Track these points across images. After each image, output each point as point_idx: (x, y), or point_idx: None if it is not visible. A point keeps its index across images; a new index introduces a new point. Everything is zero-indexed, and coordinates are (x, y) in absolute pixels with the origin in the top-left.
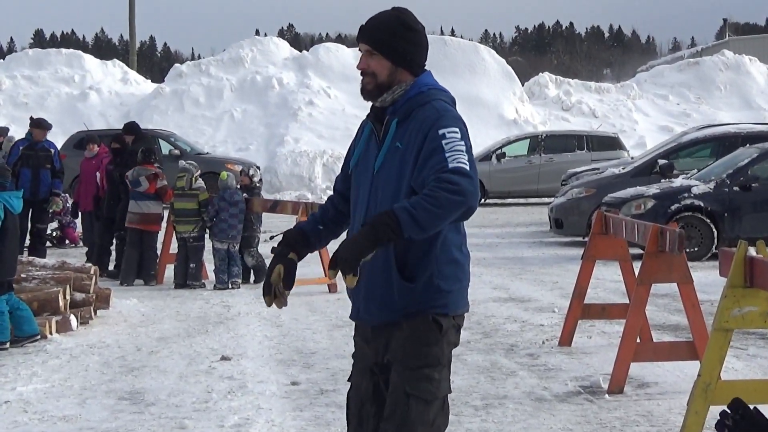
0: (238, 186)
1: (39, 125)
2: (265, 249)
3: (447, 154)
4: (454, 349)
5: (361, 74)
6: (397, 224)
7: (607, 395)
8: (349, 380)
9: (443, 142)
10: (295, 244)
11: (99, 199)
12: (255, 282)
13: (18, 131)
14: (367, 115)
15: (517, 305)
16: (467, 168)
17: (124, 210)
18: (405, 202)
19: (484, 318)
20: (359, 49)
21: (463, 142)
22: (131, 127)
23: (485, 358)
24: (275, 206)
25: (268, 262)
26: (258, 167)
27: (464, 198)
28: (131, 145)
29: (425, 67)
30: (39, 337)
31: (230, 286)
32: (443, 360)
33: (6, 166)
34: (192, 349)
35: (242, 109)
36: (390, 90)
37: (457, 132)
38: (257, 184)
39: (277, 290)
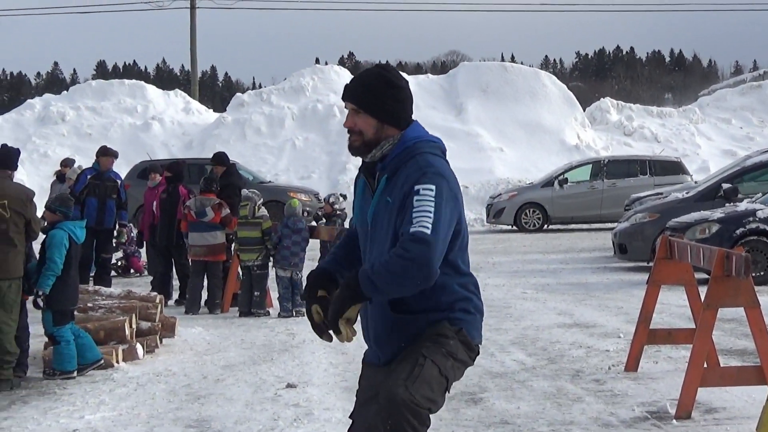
0: (305, 214)
1: (106, 153)
2: None
3: (413, 215)
4: (517, 375)
5: (348, 132)
6: (358, 287)
7: (674, 420)
8: (350, 417)
9: (415, 199)
10: (319, 285)
11: (154, 228)
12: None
13: (82, 161)
14: (359, 169)
15: (582, 331)
16: (426, 232)
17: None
18: (369, 266)
19: (549, 344)
20: (345, 107)
21: (432, 202)
22: (221, 158)
23: (551, 384)
24: (341, 234)
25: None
26: (344, 195)
27: (413, 264)
28: (221, 176)
29: (411, 119)
30: (102, 362)
31: (294, 314)
32: (448, 357)
33: (68, 196)
34: (258, 377)
35: (304, 137)
36: (378, 146)
37: (431, 190)
38: (338, 212)
39: (332, 326)
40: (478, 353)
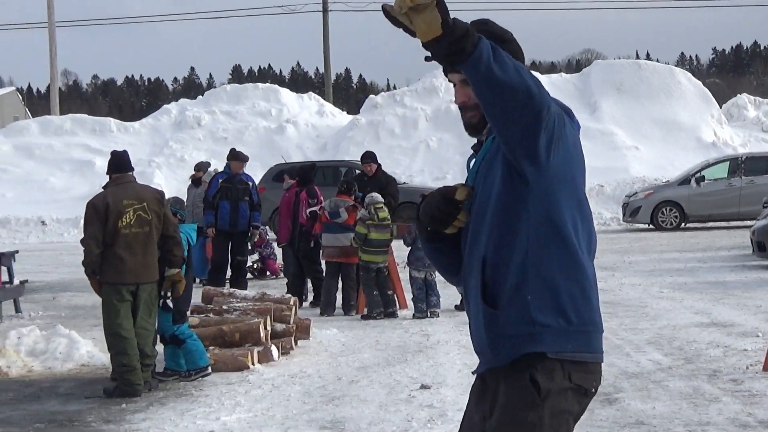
0: None
1: (236, 157)
2: None
3: None
4: (653, 375)
5: (461, 109)
6: (477, 41)
7: None
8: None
9: None
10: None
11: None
12: (457, 308)
13: (218, 165)
14: (473, 147)
15: (720, 330)
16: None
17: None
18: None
19: (686, 343)
20: (450, 80)
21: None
22: (372, 156)
23: (687, 384)
24: None
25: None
26: None
27: (523, 92)
28: (372, 174)
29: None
30: (210, 371)
31: (429, 315)
32: None
33: (181, 199)
34: (392, 378)
35: (438, 138)
36: None
37: None
38: None
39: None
40: (596, 392)
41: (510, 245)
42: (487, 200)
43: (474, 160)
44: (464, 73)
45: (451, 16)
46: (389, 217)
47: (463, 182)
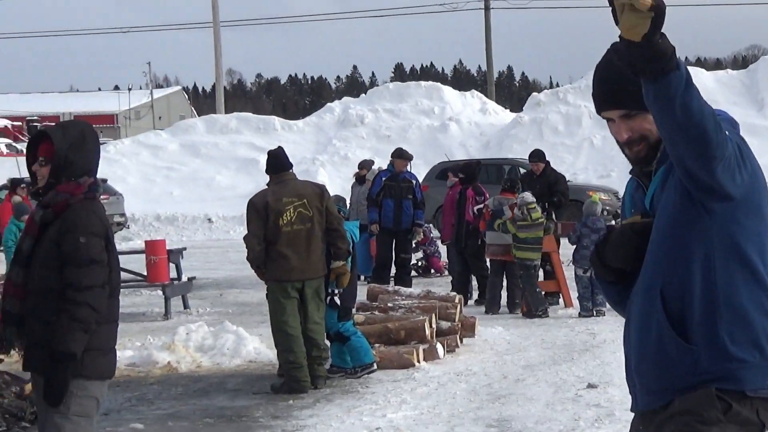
0: (605, 213)
1: (400, 156)
2: None
3: None
4: None
5: (626, 145)
6: (679, 63)
7: None
8: None
9: None
10: None
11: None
12: None
13: (381, 163)
14: (631, 173)
15: None
16: None
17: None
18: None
19: None
20: (605, 117)
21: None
22: (539, 155)
23: None
24: None
25: None
26: None
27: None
28: (539, 173)
29: None
30: (375, 368)
31: (595, 314)
32: None
33: (342, 197)
34: (558, 377)
35: (602, 135)
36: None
37: None
38: None
39: None
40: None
41: (692, 275)
42: (665, 229)
43: (636, 186)
44: (654, 91)
45: (660, 32)
46: (542, 216)
47: (633, 210)
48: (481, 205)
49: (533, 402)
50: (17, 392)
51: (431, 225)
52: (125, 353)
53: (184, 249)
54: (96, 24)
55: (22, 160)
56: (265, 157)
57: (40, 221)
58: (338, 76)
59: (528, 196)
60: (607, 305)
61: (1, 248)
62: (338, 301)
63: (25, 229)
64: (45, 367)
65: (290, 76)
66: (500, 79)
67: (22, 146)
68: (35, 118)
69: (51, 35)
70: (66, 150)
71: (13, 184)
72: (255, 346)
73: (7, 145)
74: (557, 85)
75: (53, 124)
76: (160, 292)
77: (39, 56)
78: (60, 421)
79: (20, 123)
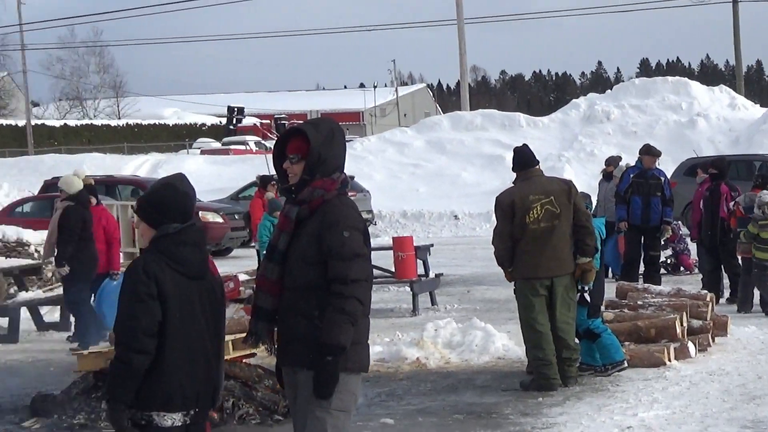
0: None
1: (649, 152)
2: None
3: None
4: None
5: None
6: None
7: None
8: None
9: None
10: None
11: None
12: None
13: (628, 160)
14: None
15: None
16: None
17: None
18: None
19: None
20: None
21: None
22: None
23: None
24: None
25: None
26: None
27: None
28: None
29: None
30: (626, 364)
31: None
32: None
33: (587, 193)
34: None
35: None
36: None
37: None
38: None
39: None
40: None
41: None
42: None
43: None
44: None
45: None
46: None
47: None
48: (733, 202)
49: None
50: (270, 386)
51: (680, 222)
52: (374, 349)
53: (431, 245)
54: (341, 23)
55: (270, 157)
56: (511, 153)
57: (296, 217)
58: (583, 72)
59: (766, 195)
60: None
61: (254, 245)
62: (588, 298)
63: (279, 226)
64: (313, 361)
65: (534, 72)
66: (749, 74)
67: (271, 144)
68: (283, 116)
69: (298, 35)
70: (319, 147)
71: (263, 181)
72: (504, 343)
73: (256, 143)
74: None
75: (300, 122)
76: (407, 288)
77: (286, 55)
78: (321, 415)
79: (268, 121)
